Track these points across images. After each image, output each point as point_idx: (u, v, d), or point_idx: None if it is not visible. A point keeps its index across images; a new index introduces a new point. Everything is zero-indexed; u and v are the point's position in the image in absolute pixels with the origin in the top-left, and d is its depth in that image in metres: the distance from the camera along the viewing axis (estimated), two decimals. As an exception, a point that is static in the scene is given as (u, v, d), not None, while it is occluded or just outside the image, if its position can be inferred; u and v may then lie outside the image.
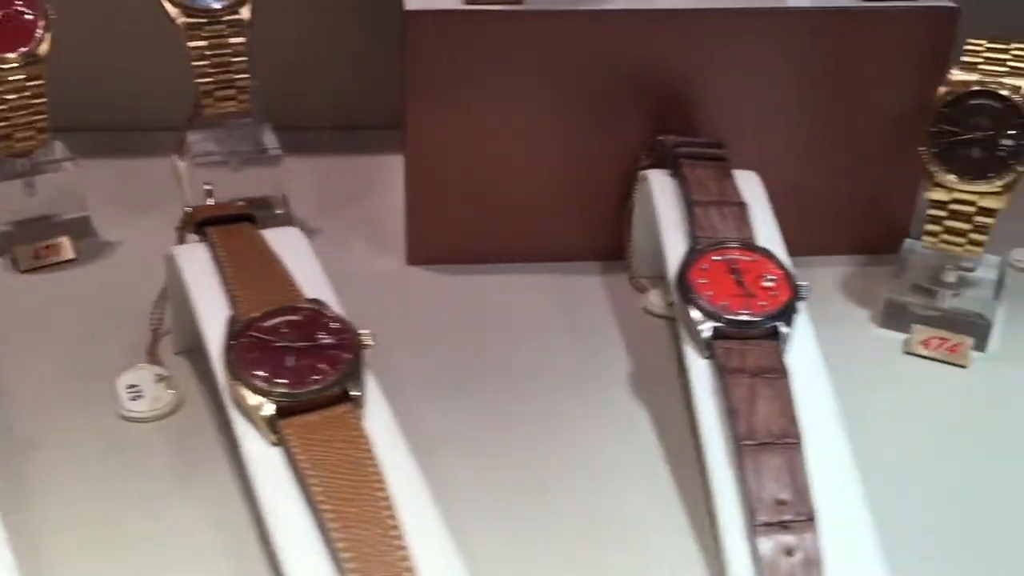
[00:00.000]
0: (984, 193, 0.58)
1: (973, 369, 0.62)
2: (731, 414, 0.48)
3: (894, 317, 0.65)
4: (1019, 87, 0.57)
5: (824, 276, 0.71)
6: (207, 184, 0.60)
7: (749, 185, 0.63)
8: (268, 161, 0.76)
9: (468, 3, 0.65)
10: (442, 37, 0.65)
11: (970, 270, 0.64)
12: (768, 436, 0.47)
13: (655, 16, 0.67)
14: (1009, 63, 0.58)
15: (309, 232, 0.77)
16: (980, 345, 0.63)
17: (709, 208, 0.58)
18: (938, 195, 0.60)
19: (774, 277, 0.53)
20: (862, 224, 0.73)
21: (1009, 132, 0.57)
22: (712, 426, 0.49)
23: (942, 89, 0.59)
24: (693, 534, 0.50)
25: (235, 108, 0.70)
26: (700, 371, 0.51)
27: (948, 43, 0.66)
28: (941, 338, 0.63)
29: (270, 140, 0.75)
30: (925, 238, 0.62)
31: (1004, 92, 0.57)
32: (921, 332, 0.63)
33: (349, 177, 0.83)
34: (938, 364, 0.62)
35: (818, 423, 0.49)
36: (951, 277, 0.64)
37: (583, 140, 0.69)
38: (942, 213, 0.60)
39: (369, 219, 0.77)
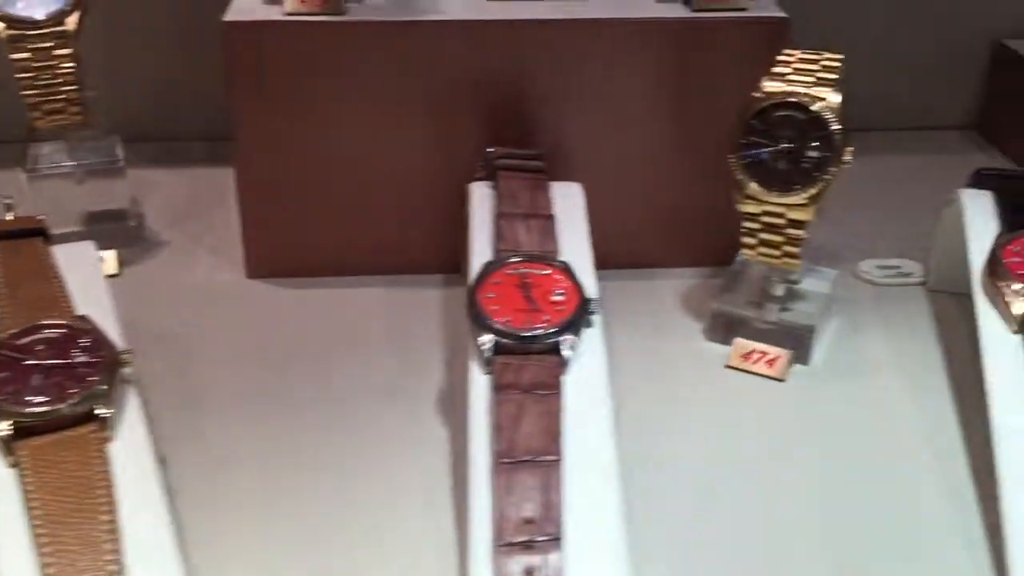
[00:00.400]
0: (791, 205, 0.58)
1: (791, 383, 0.61)
2: (495, 431, 0.47)
3: (721, 330, 0.64)
4: (824, 98, 0.57)
5: (664, 288, 0.71)
6: (7, 198, 0.59)
7: (569, 197, 0.63)
8: (113, 173, 0.75)
9: (287, 13, 0.65)
10: (261, 48, 0.64)
11: (795, 283, 0.64)
12: (527, 454, 0.46)
13: (486, 27, 0.66)
14: (817, 74, 0.58)
15: (159, 244, 0.77)
16: (803, 358, 0.63)
17: (515, 220, 0.58)
18: (749, 207, 0.59)
19: (563, 291, 0.53)
20: (703, 236, 0.72)
21: (812, 144, 0.57)
22: (480, 443, 0.48)
23: (754, 98, 0.59)
24: (455, 554, 0.49)
25: (67, 121, 0.69)
26: (478, 387, 0.50)
27: (778, 53, 0.65)
28: (761, 352, 0.62)
29: (118, 152, 0.74)
30: (744, 250, 0.61)
31: (808, 103, 0.57)
32: (741, 346, 0.63)
33: (209, 189, 0.82)
34: (758, 378, 0.62)
35: (589, 441, 0.48)
36: (779, 290, 0.64)
37: (420, 152, 0.69)
38: (755, 225, 0.59)
39: (219, 231, 0.76)
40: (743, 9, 0.67)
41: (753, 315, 0.63)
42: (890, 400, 0.60)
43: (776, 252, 0.60)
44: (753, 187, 0.58)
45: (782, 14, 0.67)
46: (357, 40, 0.65)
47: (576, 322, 0.52)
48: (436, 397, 0.60)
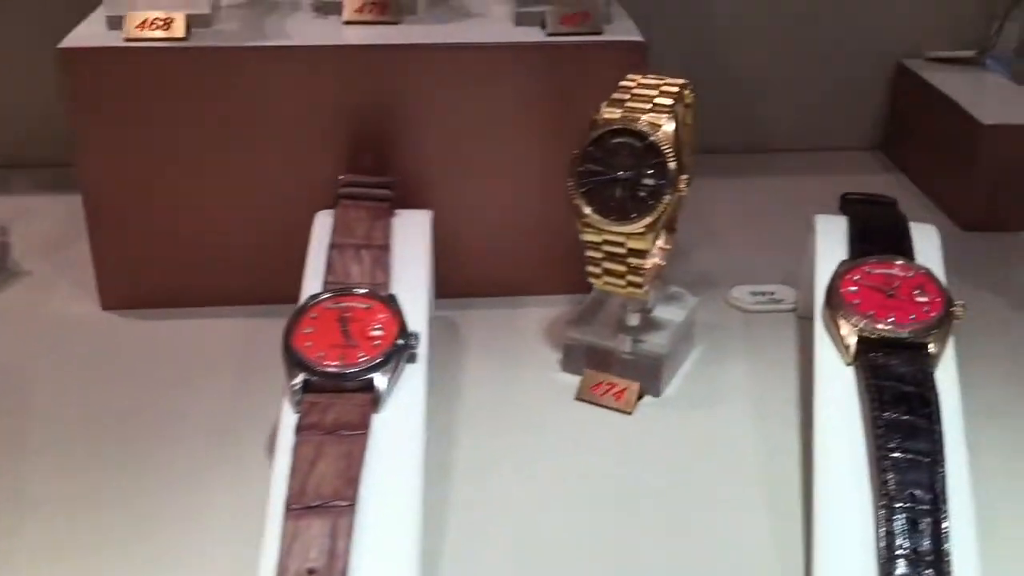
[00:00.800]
0: (630, 234, 0.56)
1: (638, 415, 0.60)
2: (290, 474, 0.46)
3: (575, 361, 0.63)
4: (659, 124, 0.56)
5: (529, 316, 0.69)
6: None
7: (415, 225, 0.61)
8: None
9: (127, 39, 0.63)
10: (101, 75, 0.63)
11: (648, 311, 0.63)
12: (317, 499, 0.44)
13: (340, 52, 0.65)
14: (655, 100, 0.56)
15: (19, 275, 0.76)
16: (654, 390, 0.61)
17: (346, 251, 0.56)
18: (590, 236, 0.57)
19: (382, 326, 0.51)
20: (574, 262, 0.70)
21: (648, 172, 0.55)
22: (278, 487, 0.46)
23: (591, 125, 0.57)
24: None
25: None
26: (287, 426, 0.48)
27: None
28: (609, 384, 0.61)
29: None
30: (590, 279, 0.60)
31: (644, 130, 0.56)
32: (590, 378, 0.61)
33: (76, 217, 0.82)
34: (606, 411, 0.60)
35: (393, 484, 0.46)
36: (633, 320, 0.62)
37: (273, 180, 0.67)
38: (598, 254, 0.58)
39: (85, 261, 0.74)
40: (599, 33, 0.66)
41: (607, 345, 0.62)
42: (733, 432, 0.59)
43: (621, 281, 0.58)
44: (591, 216, 0.57)
45: (638, 38, 0.66)
46: (202, 66, 0.64)
47: (392, 357, 0.50)
48: (265, 430, 0.57)
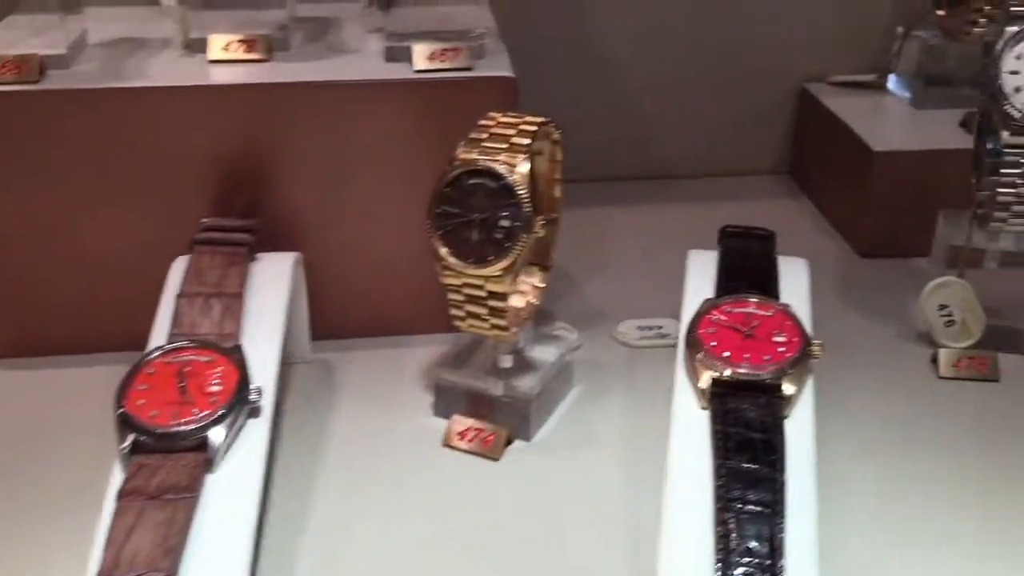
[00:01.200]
0: (488, 277, 0.55)
1: (505, 461, 0.58)
2: (105, 545, 0.44)
3: (447, 405, 0.61)
4: (515, 165, 0.55)
5: (409, 358, 0.67)
6: None
7: (276, 269, 0.60)
8: None
9: (-28, 83, 0.62)
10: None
11: (518, 352, 0.61)
12: (130, 570, 0.42)
13: (205, 92, 0.63)
14: (512, 139, 0.55)
15: None
16: (524, 434, 0.60)
17: (195, 301, 0.54)
18: (449, 279, 0.56)
19: (220, 380, 0.49)
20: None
21: (503, 213, 0.54)
22: (95, 559, 0.44)
23: (448, 166, 0.56)
24: None
25: None
26: (112, 491, 0.46)
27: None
28: (476, 429, 0.59)
29: None
30: (455, 322, 0.59)
31: (500, 170, 0.54)
32: (457, 423, 0.60)
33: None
34: (473, 457, 0.58)
35: (220, 550, 0.44)
36: (505, 362, 0.61)
37: (137, 225, 0.65)
38: (459, 297, 0.56)
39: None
40: (468, 69, 0.65)
41: (479, 387, 0.60)
42: (600, 476, 0.57)
43: (485, 324, 0.57)
44: (449, 259, 0.55)
45: (508, 74, 0.65)
46: (57, 110, 0.62)
47: (230, 413, 0.49)
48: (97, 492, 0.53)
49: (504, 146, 0.55)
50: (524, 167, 0.54)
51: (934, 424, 0.62)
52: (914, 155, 0.80)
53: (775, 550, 0.43)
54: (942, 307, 0.67)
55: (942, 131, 0.83)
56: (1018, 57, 0.60)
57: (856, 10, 0.93)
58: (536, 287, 0.63)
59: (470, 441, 0.59)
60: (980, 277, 0.68)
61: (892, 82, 0.91)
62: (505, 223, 0.54)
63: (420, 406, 0.63)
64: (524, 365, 0.61)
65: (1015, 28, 0.60)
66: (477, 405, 0.61)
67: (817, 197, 0.92)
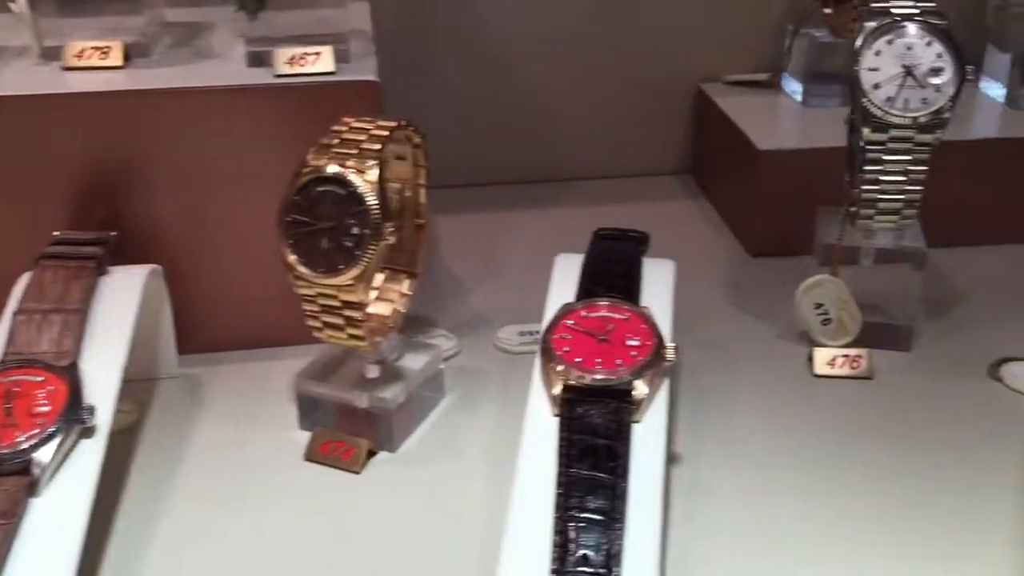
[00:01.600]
0: (340, 287, 0.53)
1: (367, 475, 0.56)
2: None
3: (311, 417, 0.59)
4: (363, 171, 0.53)
5: (282, 369, 0.64)
6: None
7: (126, 283, 0.57)
8: None
9: None
10: None
11: (386, 362, 0.60)
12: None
13: (59, 100, 0.61)
14: (363, 144, 0.54)
15: None
16: (388, 445, 0.58)
17: (33, 318, 0.52)
18: (302, 289, 0.54)
19: (47, 401, 0.48)
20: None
21: (351, 221, 0.53)
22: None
23: (298, 173, 0.54)
24: None
25: None
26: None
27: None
28: (338, 442, 0.58)
29: None
30: (314, 333, 0.57)
31: (349, 177, 0.53)
32: (320, 436, 0.58)
33: None
34: (336, 471, 0.56)
35: (46, 570, 0.42)
36: (372, 372, 0.59)
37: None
38: (314, 308, 0.55)
39: None
40: (331, 73, 0.63)
41: (343, 399, 0.59)
42: (461, 486, 0.56)
43: (342, 335, 0.56)
44: (300, 268, 0.54)
45: (372, 78, 0.63)
46: None
47: (56, 435, 0.47)
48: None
49: (354, 152, 0.54)
50: (373, 173, 0.53)
51: (805, 424, 0.61)
52: (800, 153, 0.80)
53: (611, 558, 0.42)
54: (818, 306, 0.67)
55: (829, 129, 0.82)
56: (877, 54, 0.60)
57: (751, 8, 0.94)
58: (404, 295, 0.62)
59: (332, 454, 0.57)
60: (859, 274, 0.68)
61: (785, 80, 0.92)
62: (355, 231, 0.53)
63: (287, 420, 0.61)
64: (391, 375, 0.60)
65: (873, 24, 0.60)
66: (344, 417, 0.60)
67: (714, 197, 0.92)
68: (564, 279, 0.58)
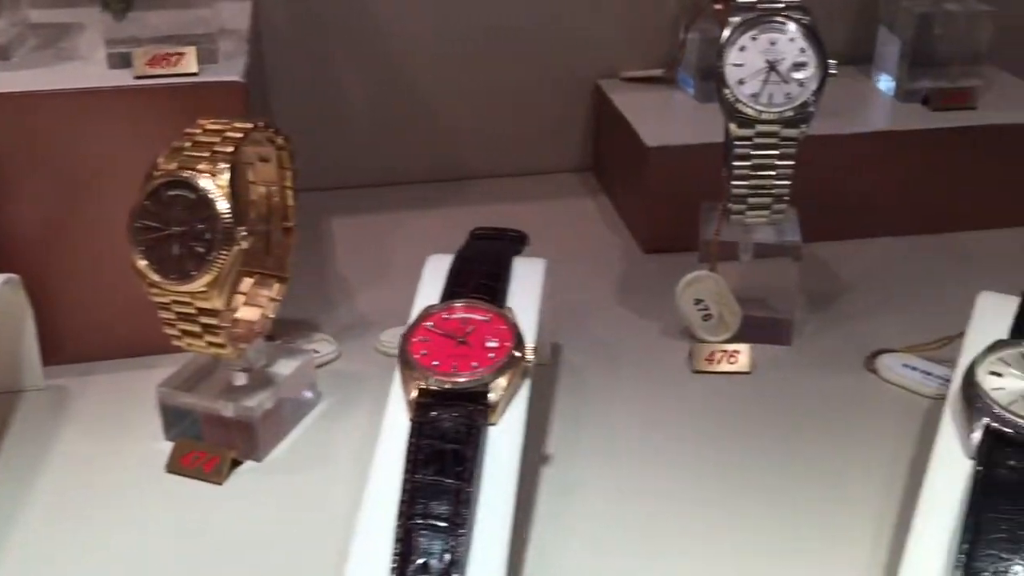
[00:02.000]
0: (194, 293, 0.52)
1: (229, 485, 0.55)
2: None
3: (178, 427, 0.58)
4: (214, 174, 0.51)
5: (151, 379, 0.60)
6: None
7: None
8: None
9: None
10: None
11: (248, 369, 0.58)
12: None
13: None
14: (215, 147, 0.52)
15: None
16: (253, 454, 0.56)
17: None
18: (156, 297, 0.52)
19: None
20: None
21: (201, 226, 0.51)
22: None
23: (148, 177, 0.53)
24: None
25: None
26: None
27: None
28: (200, 452, 0.56)
29: None
30: (174, 342, 0.55)
31: (199, 180, 0.51)
32: (182, 447, 0.56)
33: None
34: (196, 482, 0.55)
35: None
36: (239, 379, 0.58)
37: None
38: (170, 315, 0.53)
39: None
40: (194, 74, 0.62)
41: (209, 408, 0.57)
42: (323, 495, 0.54)
43: (201, 343, 0.54)
44: (152, 275, 0.52)
45: (237, 78, 0.62)
46: None
47: None
48: None
49: (206, 155, 0.52)
50: (225, 177, 0.52)
51: (680, 420, 0.61)
52: (688, 149, 0.79)
53: (453, 564, 0.42)
54: (698, 301, 0.67)
55: (720, 125, 0.83)
56: (741, 49, 0.60)
57: (649, 4, 0.94)
58: (273, 299, 0.60)
59: (192, 466, 0.56)
60: (739, 269, 0.67)
61: (682, 77, 0.92)
62: (207, 236, 0.51)
63: (155, 431, 0.59)
64: (259, 382, 0.59)
65: (737, 19, 0.60)
66: (211, 427, 0.58)
67: (612, 194, 0.91)
68: (432, 280, 0.57)
